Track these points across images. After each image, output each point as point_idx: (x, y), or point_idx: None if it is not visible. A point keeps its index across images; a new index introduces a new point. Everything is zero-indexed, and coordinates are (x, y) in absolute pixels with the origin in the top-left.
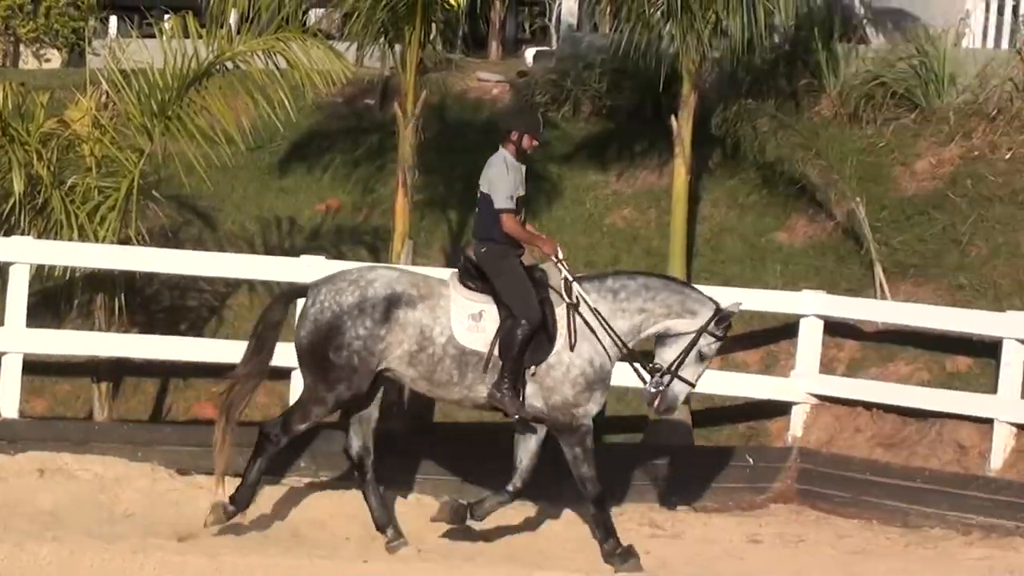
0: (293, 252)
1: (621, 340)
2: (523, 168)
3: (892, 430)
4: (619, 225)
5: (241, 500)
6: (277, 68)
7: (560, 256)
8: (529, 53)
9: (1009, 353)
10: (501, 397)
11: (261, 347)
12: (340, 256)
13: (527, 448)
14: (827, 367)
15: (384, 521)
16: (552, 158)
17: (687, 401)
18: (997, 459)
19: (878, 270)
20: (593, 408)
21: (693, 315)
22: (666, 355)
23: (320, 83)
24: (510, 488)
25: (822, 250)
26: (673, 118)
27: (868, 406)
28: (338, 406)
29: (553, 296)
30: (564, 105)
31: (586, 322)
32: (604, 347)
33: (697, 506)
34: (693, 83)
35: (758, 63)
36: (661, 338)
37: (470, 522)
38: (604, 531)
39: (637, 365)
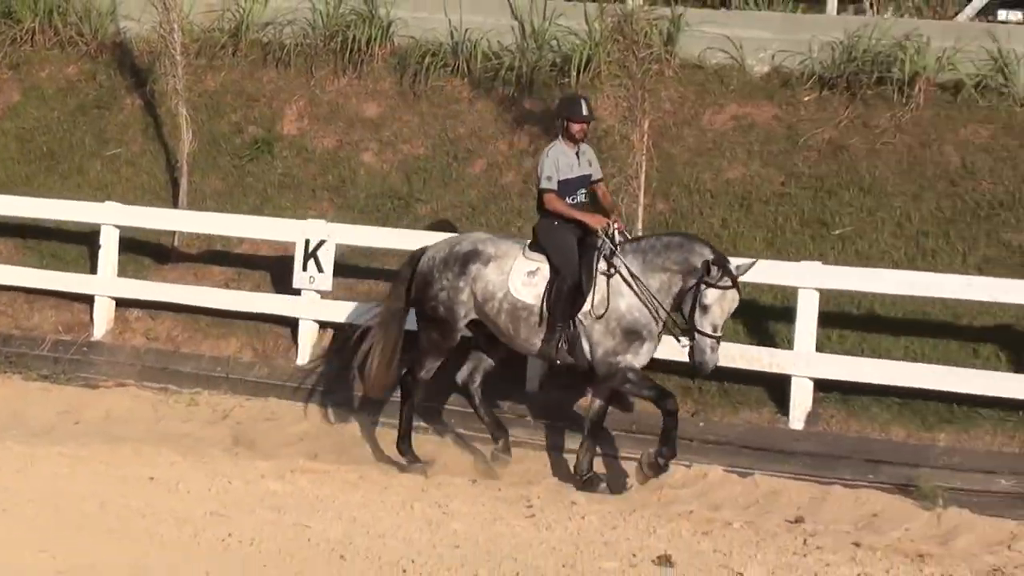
0: None
1: (654, 297)
2: (581, 150)
3: None
4: None
5: (405, 447)
6: None
7: (611, 229)
8: None
9: None
10: (547, 347)
11: (392, 301)
12: None
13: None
14: None
15: (498, 433)
16: None
17: None
18: None
19: None
20: (632, 358)
21: (696, 269)
22: (685, 312)
23: None
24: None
25: None
26: None
27: None
28: (441, 352)
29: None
30: None
31: (625, 281)
32: (644, 302)
33: None
34: None
35: None
36: (680, 295)
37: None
38: (666, 439)
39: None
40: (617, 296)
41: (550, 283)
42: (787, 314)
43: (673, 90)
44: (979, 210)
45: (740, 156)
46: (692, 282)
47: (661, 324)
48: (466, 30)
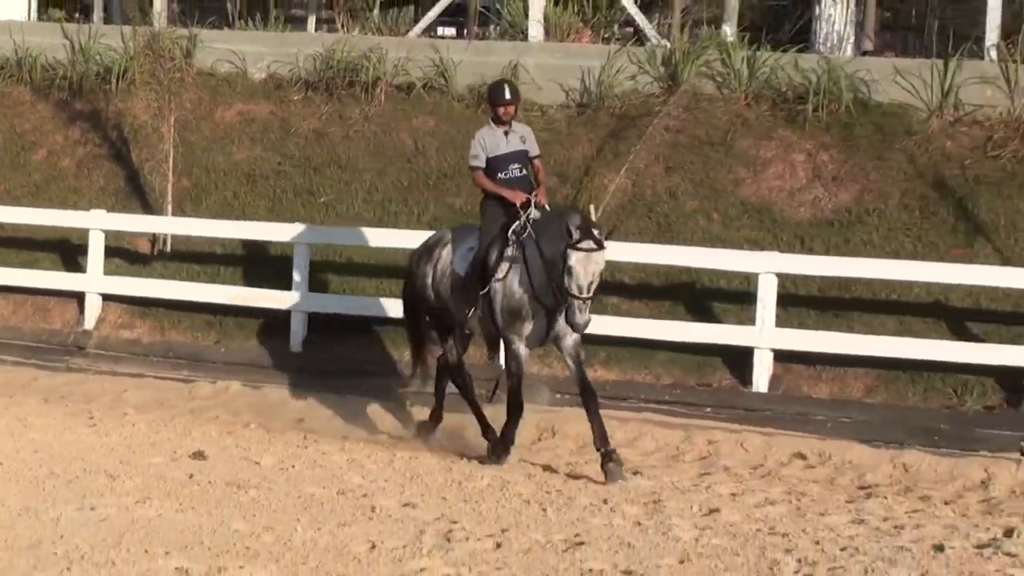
0: None
1: (551, 269)
2: (512, 129)
3: None
4: None
5: (436, 416)
6: None
7: (528, 205)
8: None
9: None
10: (462, 314)
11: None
12: None
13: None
14: None
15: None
16: None
17: None
18: None
19: None
20: (516, 339)
21: (566, 235)
22: (558, 277)
23: None
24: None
25: None
26: None
27: None
28: (437, 328)
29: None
30: None
31: (524, 259)
32: (532, 282)
33: None
34: None
35: None
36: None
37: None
38: (504, 428)
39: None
40: (513, 273)
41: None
42: (287, 265)
43: (192, 93)
44: (429, 180)
45: (245, 143)
46: (562, 249)
47: (547, 304)
48: (27, 48)
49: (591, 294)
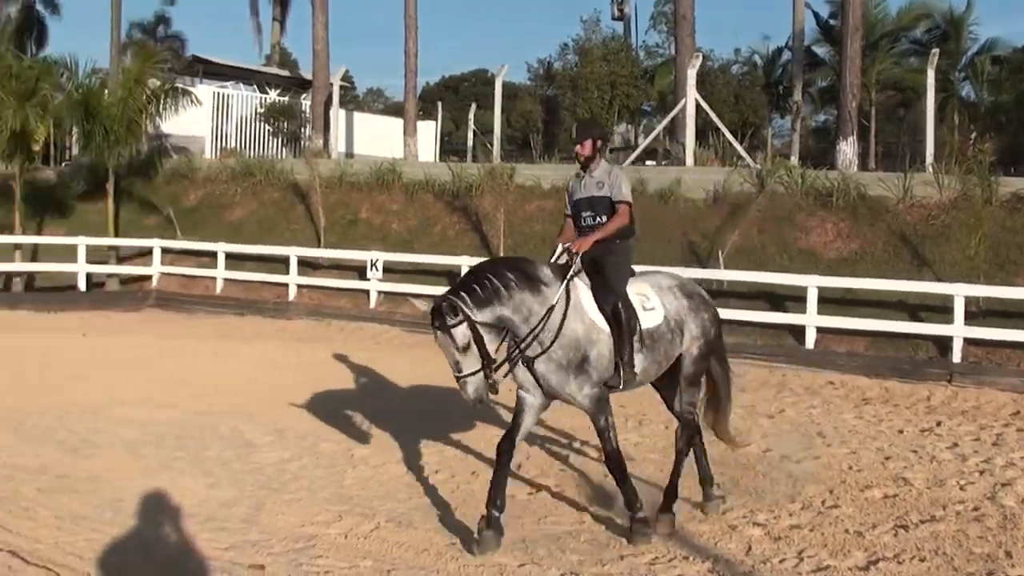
0: None
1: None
2: (591, 171)
3: None
4: None
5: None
6: None
7: (561, 251)
8: None
9: None
10: None
11: None
12: None
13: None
14: None
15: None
16: None
17: None
18: None
19: None
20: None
21: None
22: None
23: None
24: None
25: None
26: None
27: None
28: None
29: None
30: None
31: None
32: None
33: None
34: None
35: None
36: None
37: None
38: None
39: None
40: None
41: None
42: None
43: (513, 196)
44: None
45: (540, 221)
46: None
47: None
48: (431, 174)
49: (460, 374)
